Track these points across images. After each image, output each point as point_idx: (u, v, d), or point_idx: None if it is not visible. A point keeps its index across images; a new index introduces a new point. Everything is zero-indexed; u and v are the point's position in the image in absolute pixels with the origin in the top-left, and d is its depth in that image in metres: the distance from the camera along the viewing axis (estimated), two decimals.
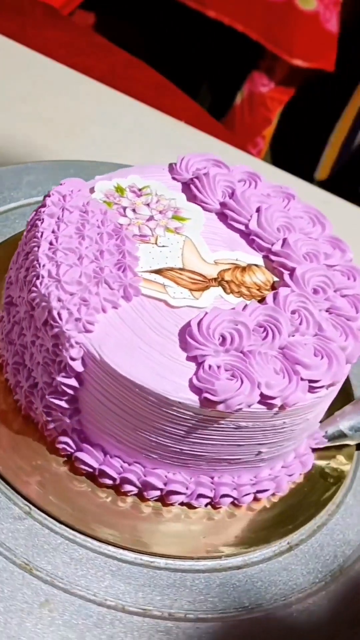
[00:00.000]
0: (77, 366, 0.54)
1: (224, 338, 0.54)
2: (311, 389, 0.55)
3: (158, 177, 0.66)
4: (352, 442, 0.67)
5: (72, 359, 0.54)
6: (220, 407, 0.52)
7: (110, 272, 0.56)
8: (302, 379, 0.54)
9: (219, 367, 0.53)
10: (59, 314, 0.54)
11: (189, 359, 0.54)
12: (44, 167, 0.81)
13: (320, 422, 0.65)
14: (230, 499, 0.60)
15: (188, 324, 0.55)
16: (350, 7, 1.56)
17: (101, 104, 1.05)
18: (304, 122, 1.65)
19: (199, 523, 0.59)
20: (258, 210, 0.63)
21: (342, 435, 0.66)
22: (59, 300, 0.54)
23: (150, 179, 0.65)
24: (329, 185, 1.59)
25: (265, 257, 0.61)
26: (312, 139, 1.66)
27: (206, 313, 0.55)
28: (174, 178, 0.66)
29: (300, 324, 0.56)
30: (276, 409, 0.54)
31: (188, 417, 0.53)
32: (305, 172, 1.04)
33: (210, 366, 0.52)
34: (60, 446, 0.58)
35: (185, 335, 0.54)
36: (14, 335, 0.60)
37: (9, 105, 0.98)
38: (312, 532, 0.63)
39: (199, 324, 0.54)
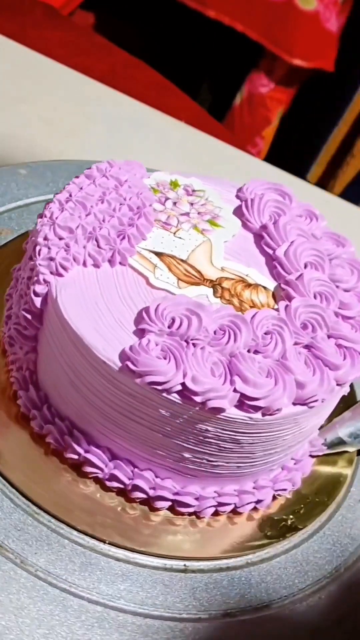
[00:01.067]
0: (37, 302, 0.57)
1: (173, 321, 0.54)
2: (243, 404, 0.53)
3: (219, 189, 0.67)
4: (351, 449, 0.67)
5: (35, 294, 0.57)
6: (138, 379, 0.52)
7: (106, 233, 0.58)
8: (235, 390, 0.52)
9: (157, 344, 0.53)
10: (39, 250, 0.57)
11: (136, 331, 0.55)
12: (44, 167, 0.81)
13: (320, 428, 0.65)
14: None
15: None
16: (350, 7, 1.56)
17: (101, 104, 1.05)
18: (304, 122, 1.65)
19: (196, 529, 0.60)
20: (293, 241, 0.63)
21: (341, 442, 0.66)
22: (46, 238, 0.57)
23: (210, 186, 0.66)
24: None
25: (279, 286, 0.61)
26: (312, 139, 1.66)
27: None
28: (237, 196, 0.67)
29: (266, 344, 0.55)
30: (196, 408, 0.52)
31: (121, 385, 0.53)
32: (305, 172, 1.04)
33: (148, 341, 0.52)
34: (20, 402, 0.61)
35: (142, 311, 0.55)
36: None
37: (9, 105, 0.98)
38: (312, 532, 0.63)
39: (159, 304, 0.55)
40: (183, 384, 0.52)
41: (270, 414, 0.53)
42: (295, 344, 0.56)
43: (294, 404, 0.54)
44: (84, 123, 1.00)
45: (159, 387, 0.52)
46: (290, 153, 1.59)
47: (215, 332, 0.54)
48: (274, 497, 0.62)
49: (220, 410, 0.52)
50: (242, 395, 0.53)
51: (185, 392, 0.52)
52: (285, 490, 0.62)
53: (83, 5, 1.50)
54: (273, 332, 0.56)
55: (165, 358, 0.52)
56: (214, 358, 0.53)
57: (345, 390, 0.59)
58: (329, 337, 0.57)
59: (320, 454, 0.66)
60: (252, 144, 1.59)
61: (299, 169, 1.08)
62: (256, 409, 0.53)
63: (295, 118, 1.63)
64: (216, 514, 0.60)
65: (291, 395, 0.54)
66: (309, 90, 1.59)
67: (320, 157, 1.65)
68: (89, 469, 0.59)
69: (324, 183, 1.64)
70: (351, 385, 0.64)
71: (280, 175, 1.01)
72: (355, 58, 1.57)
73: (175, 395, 0.52)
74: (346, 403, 0.67)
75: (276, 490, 0.62)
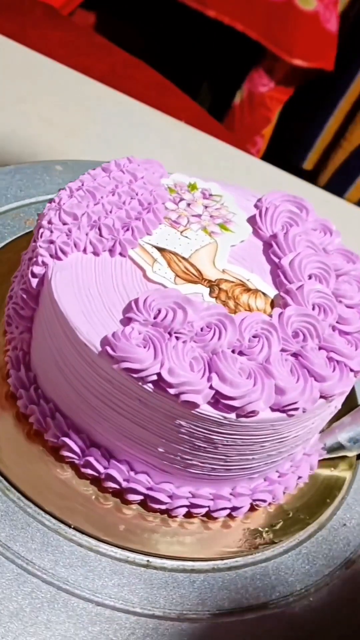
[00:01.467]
0: (34, 282, 0.57)
1: (159, 312, 0.54)
2: (219, 402, 0.53)
3: (238, 196, 0.66)
4: (350, 454, 0.67)
5: (33, 275, 0.57)
6: (115, 365, 0.52)
7: (111, 223, 0.58)
8: (211, 387, 0.52)
9: (139, 333, 0.53)
10: (42, 232, 0.58)
11: (123, 320, 0.55)
12: (44, 167, 0.81)
13: (320, 432, 0.65)
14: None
15: None
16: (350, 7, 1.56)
17: (101, 104, 1.05)
18: (304, 123, 1.65)
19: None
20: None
21: (340, 447, 0.66)
22: (50, 222, 0.58)
23: (229, 192, 0.66)
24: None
25: (279, 294, 0.60)
26: (308, 129, 1.65)
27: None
28: (255, 205, 0.67)
29: (252, 347, 0.55)
30: (170, 401, 0.52)
31: (100, 370, 0.54)
32: (305, 172, 1.04)
33: (132, 329, 0.53)
34: (10, 381, 0.61)
35: (132, 301, 0.55)
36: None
37: (9, 105, 0.98)
38: (313, 532, 0.63)
39: (149, 295, 0.55)
40: (159, 374, 0.52)
41: (245, 416, 0.53)
42: (283, 350, 0.56)
43: (272, 409, 0.54)
44: (84, 123, 1.00)
45: (135, 375, 0.52)
46: (290, 153, 1.59)
47: (202, 329, 0.54)
48: (253, 508, 0.62)
49: (193, 405, 0.52)
50: (218, 392, 0.52)
51: (160, 383, 0.52)
52: (264, 501, 0.61)
53: (83, 5, 1.50)
54: (261, 336, 0.55)
55: (145, 347, 0.52)
56: (195, 353, 0.53)
57: (336, 405, 0.59)
58: (320, 348, 0.57)
59: (320, 458, 0.66)
60: (252, 143, 1.59)
61: (300, 170, 1.08)
62: (231, 408, 0.53)
63: (295, 118, 1.63)
64: (189, 515, 0.60)
65: (269, 400, 0.53)
66: (308, 89, 1.59)
67: (316, 145, 1.65)
68: (65, 453, 0.58)
69: (319, 169, 1.64)
70: (352, 390, 0.64)
71: (280, 175, 1.01)
72: (354, 58, 1.57)
73: (150, 385, 0.52)
74: (348, 407, 0.67)
75: (254, 500, 0.61)
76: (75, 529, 0.57)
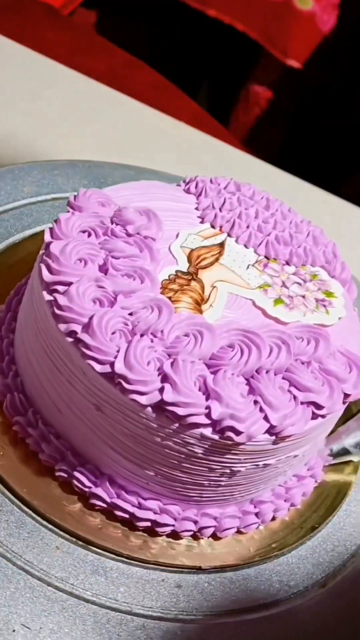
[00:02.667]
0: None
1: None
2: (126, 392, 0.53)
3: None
4: (356, 459, 0.67)
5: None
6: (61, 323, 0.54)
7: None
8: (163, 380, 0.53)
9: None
10: None
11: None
12: (44, 167, 0.82)
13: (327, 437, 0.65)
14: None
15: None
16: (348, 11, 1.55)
17: (101, 104, 1.05)
18: (305, 124, 1.65)
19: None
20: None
21: (346, 452, 0.67)
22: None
23: (336, 288, 0.66)
24: None
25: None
26: (312, 142, 1.65)
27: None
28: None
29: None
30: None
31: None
32: (305, 173, 1.03)
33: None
34: None
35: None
36: None
37: (9, 105, 0.99)
38: (314, 533, 0.64)
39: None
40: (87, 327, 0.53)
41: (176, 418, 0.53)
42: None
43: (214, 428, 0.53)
44: (84, 123, 1.00)
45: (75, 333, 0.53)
46: (291, 154, 1.58)
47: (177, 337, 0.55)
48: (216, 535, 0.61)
49: (126, 390, 0.52)
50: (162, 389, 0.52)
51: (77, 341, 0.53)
52: (229, 529, 0.61)
53: (83, 4, 1.50)
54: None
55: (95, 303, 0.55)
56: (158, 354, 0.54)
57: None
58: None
59: (326, 464, 0.67)
60: (253, 144, 1.59)
61: (299, 170, 1.07)
62: (176, 417, 0.52)
63: (296, 119, 1.62)
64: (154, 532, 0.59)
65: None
66: (309, 92, 1.59)
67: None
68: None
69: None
70: None
71: (281, 176, 1.01)
72: (354, 62, 1.56)
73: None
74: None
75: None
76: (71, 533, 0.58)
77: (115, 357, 0.53)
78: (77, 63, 1.07)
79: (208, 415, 0.52)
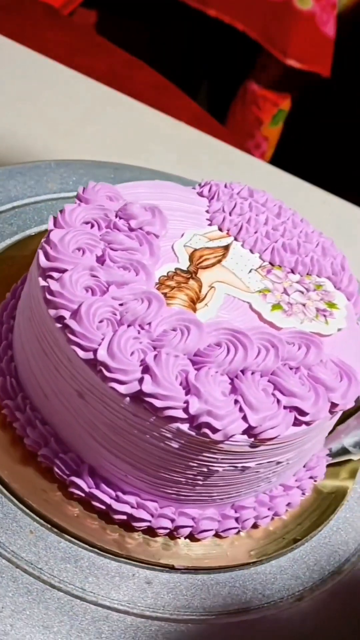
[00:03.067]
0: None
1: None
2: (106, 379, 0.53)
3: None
4: (355, 458, 0.66)
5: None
6: (51, 307, 0.54)
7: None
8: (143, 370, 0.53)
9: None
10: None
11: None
12: (44, 167, 0.83)
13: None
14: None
15: None
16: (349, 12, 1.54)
17: (101, 104, 1.05)
18: (305, 124, 1.63)
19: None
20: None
21: (345, 451, 0.66)
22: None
23: (340, 300, 0.65)
24: None
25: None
26: (312, 142, 1.64)
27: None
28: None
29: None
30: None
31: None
32: (305, 173, 1.02)
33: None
34: None
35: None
36: None
37: (9, 105, 0.99)
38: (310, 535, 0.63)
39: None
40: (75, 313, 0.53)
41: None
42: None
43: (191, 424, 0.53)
44: (84, 123, 1.00)
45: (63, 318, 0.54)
46: (292, 155, 1.56)
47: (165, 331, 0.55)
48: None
49: (106, 378, 0.52)
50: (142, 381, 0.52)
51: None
52: (207, 531, 0.60)
53: (83, 4, 1.50)
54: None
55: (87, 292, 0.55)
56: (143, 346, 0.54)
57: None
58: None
59: (325, 464, 0.66)
60: (254, 144, 1.57)
61: (299, 170, 1.06)
62: (153, 408, 0.52)
63: (297, 120, 1.61)
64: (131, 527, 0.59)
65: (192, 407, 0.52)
66: (310, 94, 1.57)
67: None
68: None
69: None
70: None
71: (280, 176, 1.00)
72: (354, 64, 1.55)
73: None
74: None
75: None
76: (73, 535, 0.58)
77: (100, 345, 0.53)
78: (77, 63, 1.07)
79: (186, 410, 0.52)
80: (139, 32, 1.58)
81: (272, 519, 0.63)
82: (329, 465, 0.67)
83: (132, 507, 0.58)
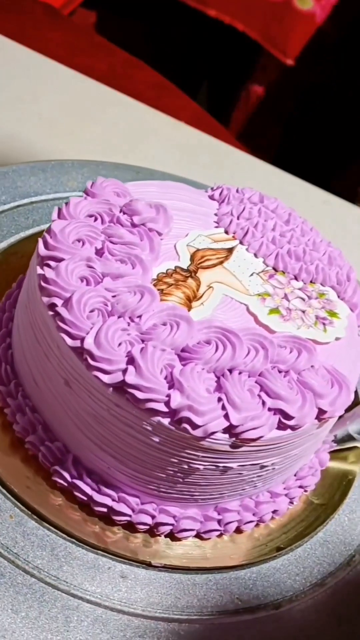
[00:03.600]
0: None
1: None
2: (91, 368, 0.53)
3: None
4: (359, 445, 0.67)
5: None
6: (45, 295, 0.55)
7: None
8: (127, 361, 0.53)
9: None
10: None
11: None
12: (44, 167, 0.83)
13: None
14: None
15: None
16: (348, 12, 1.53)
17: (101, 104, 1.05)
18: (305, 123, 1.62)
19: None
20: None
21: (350, 438, 0.65)
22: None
23: (342, 310, 0.65)
24: None
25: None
26: (313, 142, 1.62)
27: None
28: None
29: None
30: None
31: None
32: (306, 174, 1.01)
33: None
34: None
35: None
36: None
37: (9, 105, 1.00)
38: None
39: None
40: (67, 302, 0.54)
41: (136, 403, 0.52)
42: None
43: (171, 418, 0.52)
44: (84, 123, 1.01)
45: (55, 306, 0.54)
46: (292, 155, 1.55)
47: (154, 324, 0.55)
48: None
49: (91, 366, 0.52)
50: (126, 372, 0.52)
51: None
52: (187, 530, 0.60)
53: (83, 4, 1.50)
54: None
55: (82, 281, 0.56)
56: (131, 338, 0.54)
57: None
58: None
59: (329, 450, 0.66)
60: (253, 144, 1.57)
61: (300, 171, 1.05)
62: (135, 400, 0.52)
63: (297, 120, 1.60)
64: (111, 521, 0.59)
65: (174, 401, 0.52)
66: (311, 93, 1.56)
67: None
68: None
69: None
70: None
71: (281, 176, 0.99)
72: (354, 64, 1.53)
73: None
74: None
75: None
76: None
77: (87, 333, 0.53)
78: (77, 63, 1.08)
79: (167, 404, 0.52)
80: (139, 32, 1.59)
81: (257, 525, 0.62)
82: (334, 451, 0.67)
83: (113, 500, 0.58)
